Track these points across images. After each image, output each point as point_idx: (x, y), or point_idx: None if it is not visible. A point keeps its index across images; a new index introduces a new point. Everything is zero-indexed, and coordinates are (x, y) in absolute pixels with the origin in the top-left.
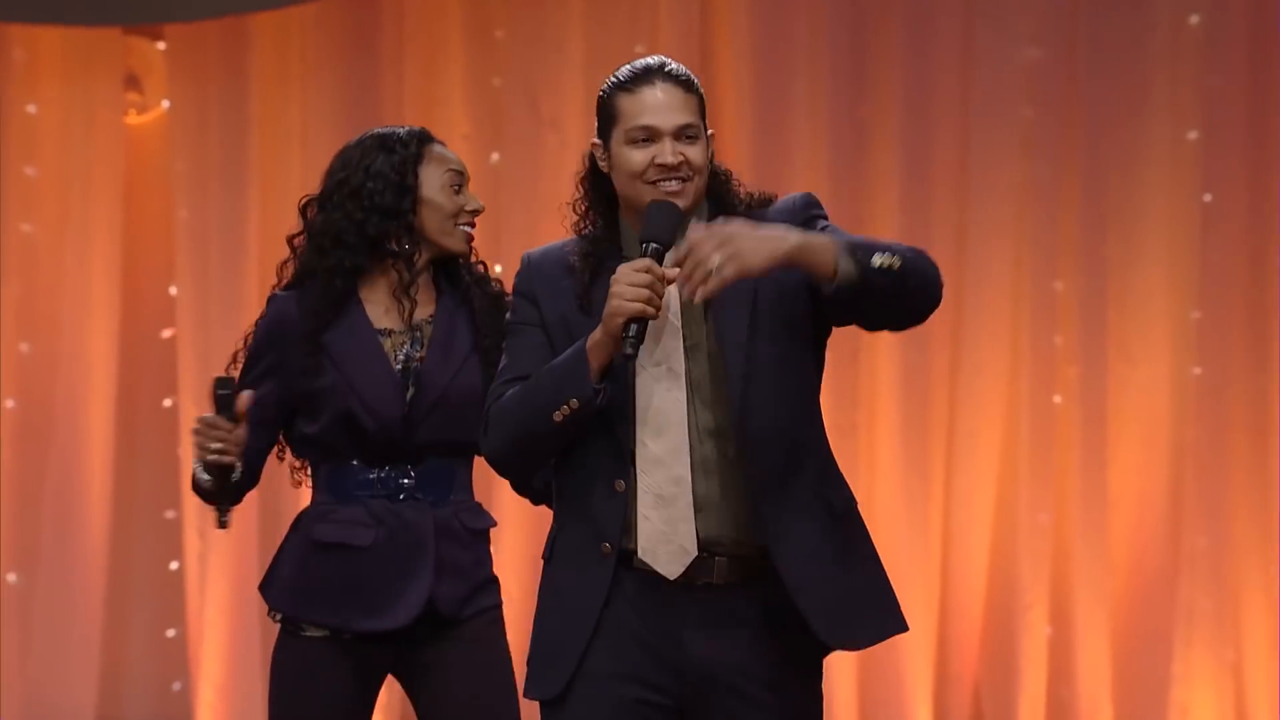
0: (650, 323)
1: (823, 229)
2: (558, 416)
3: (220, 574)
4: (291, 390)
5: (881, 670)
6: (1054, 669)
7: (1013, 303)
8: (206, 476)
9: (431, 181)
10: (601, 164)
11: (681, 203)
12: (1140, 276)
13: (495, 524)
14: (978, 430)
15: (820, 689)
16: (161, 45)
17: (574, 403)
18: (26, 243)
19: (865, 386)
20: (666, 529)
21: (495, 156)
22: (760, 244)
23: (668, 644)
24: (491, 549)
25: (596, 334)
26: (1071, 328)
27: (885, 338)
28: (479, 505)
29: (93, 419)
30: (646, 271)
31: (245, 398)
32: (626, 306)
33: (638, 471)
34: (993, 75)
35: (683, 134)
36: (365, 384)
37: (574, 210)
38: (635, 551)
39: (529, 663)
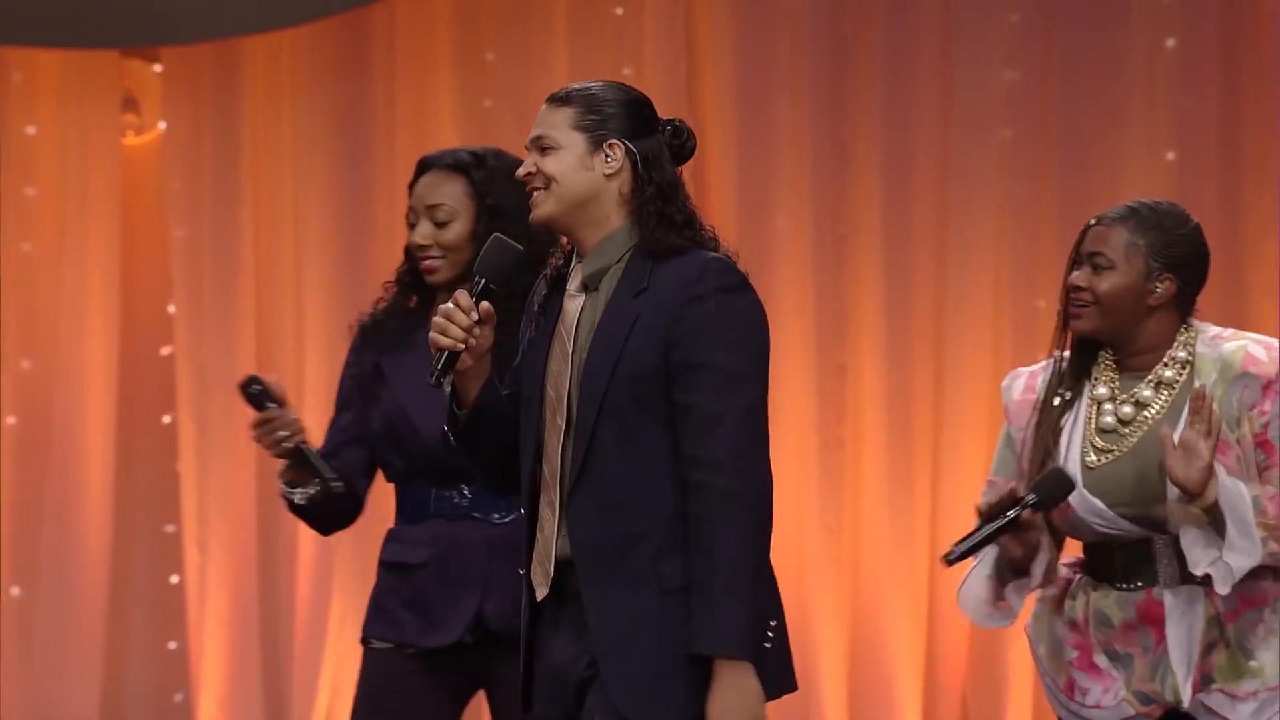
0: (558, 353)
1: (706, 301)
2: (451, 440)
3: (220, 587)
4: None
5: (870, 681)
6: (1040, 681)
7: (993, 320)
8: (289, 487)
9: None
10: None
11: (538, 212)
12: None
13: None
14: (961, 443)
15: (677, 694)
16: (158, 67)
17: (444, 427)
18: (26, 261)
19: (851, 402)
20: (542, 550)
21: None
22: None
23: (548, 657)
24: None
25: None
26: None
27: (870, 354)
28: None
29: (92, 435)
30: (455, 305)
31: (274, 379)
32: (431, 338)
33: (541, 495)
34: (971, 97)
35: (537, 145)
36: (413, 406)
37: None
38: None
39: None
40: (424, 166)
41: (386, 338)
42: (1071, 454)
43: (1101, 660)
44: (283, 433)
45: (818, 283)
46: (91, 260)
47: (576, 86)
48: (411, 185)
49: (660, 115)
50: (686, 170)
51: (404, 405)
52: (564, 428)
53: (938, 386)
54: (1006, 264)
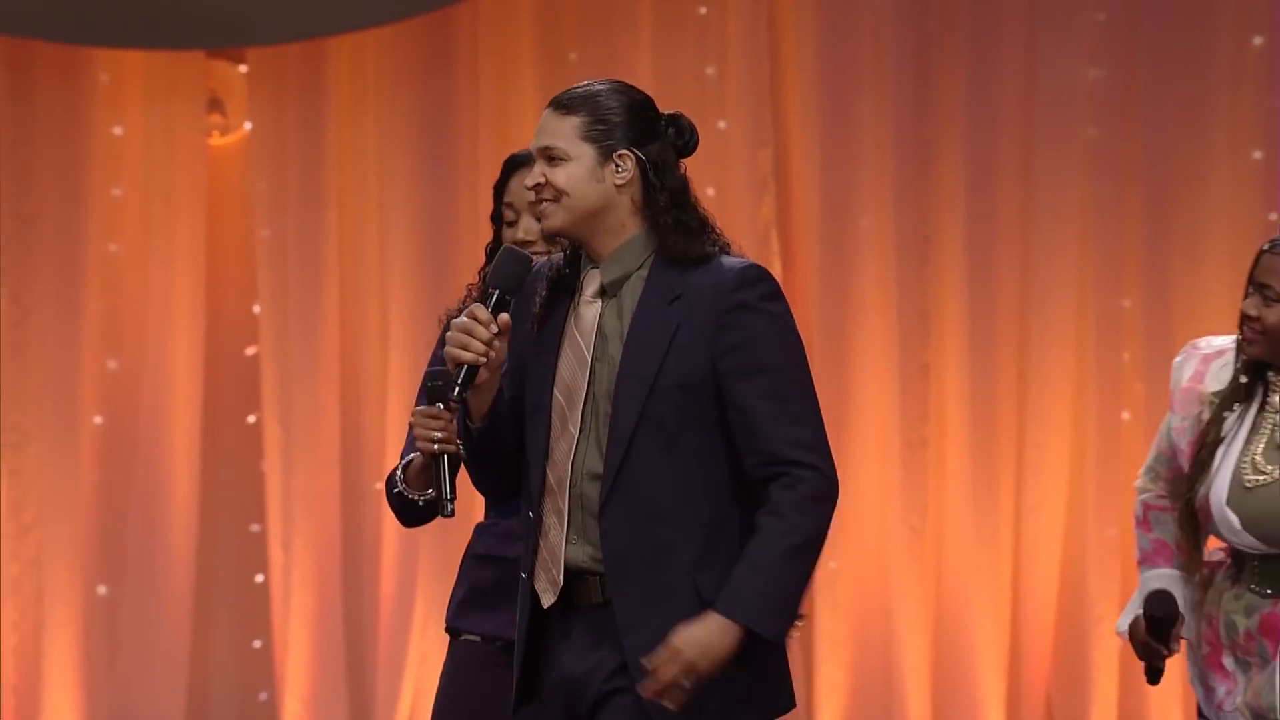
0: (571, 358)
1: (730, 329)
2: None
3: (305, 586)
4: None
5: (954, 680)
6: (1125, 681)
7: (1078, 320)
8: (409, 487)
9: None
10: None
11: (548, 223)
12: (1205, 294)
13: None
14: (1045, 443)
15: (713, 705)
16: (243, 68)
17: (459, 441)
18: (113, 261)
19: (934, 401)
20: (548, 557)
21: None
22: (709, 660)
23: (559, 665)
24: None
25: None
26: (1137, 344)
27: (953, 354)
28: None
29: (178, 434)
30: (473, 319)
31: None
32: (451, 353)
33: (544, 501)
34: (1055, 95)
35: (545, 155)
36: None
37: None
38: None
39: None
40: (516, 165)
41: None
42: (1225, 466)
43: (1229, 662)
44: (441, 435)
45: (901, 282)
46: (177, 261)
47: (580, 92)
48: (501, 185)
49: (742, 115)
50: (769, 169)
51: None
52: (576, 434)
53: (1021, 386)
54: (1091, 263)
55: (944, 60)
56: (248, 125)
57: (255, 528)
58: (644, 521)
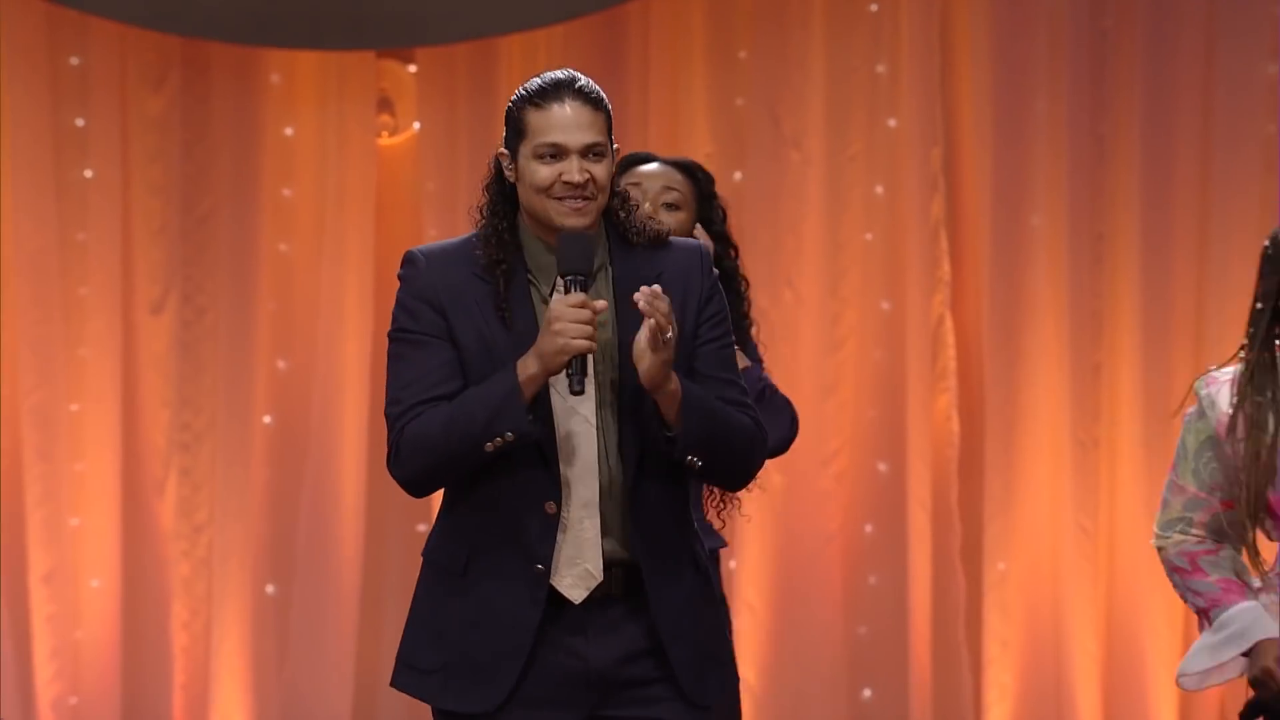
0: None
1: (712, 300)
2: (489, 447)
3: None
4: None
5: (1126, 684)
6: None
7: None
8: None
9: None
10: (508, 174)
11: (584, 220)
12: None
13: (724, 545)
14: None
15: (727, 671)
16: (413, 68)
17: (509, 435)
18: (283, 261)
19: (1106, 401)
20: (573, 553)
21: (738, 175)
22: (662, 367)
23: (573, 658)
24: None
25: (533, 368)
26: None
27: (1126, 354)
28: (709, 526)
29: (346, 434)
30: (583, 307)
31: None
32: (574, 344)
33: (566, 498)
34: (1234, 91)
35: (589, 152)
36: None
37: (480, 214)
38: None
39: (446, 672)
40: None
41: None
42: None
43: None
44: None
45: (1073, 282)
46: (347, 261)
47: (594, 86)
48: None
49: (912, 113)
50: (939, 167)
51: None
52: (594, 427)
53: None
54: None
55: (1120, 56)
56: (417, 125)
57: (422, 527)
58: (666, 502)
